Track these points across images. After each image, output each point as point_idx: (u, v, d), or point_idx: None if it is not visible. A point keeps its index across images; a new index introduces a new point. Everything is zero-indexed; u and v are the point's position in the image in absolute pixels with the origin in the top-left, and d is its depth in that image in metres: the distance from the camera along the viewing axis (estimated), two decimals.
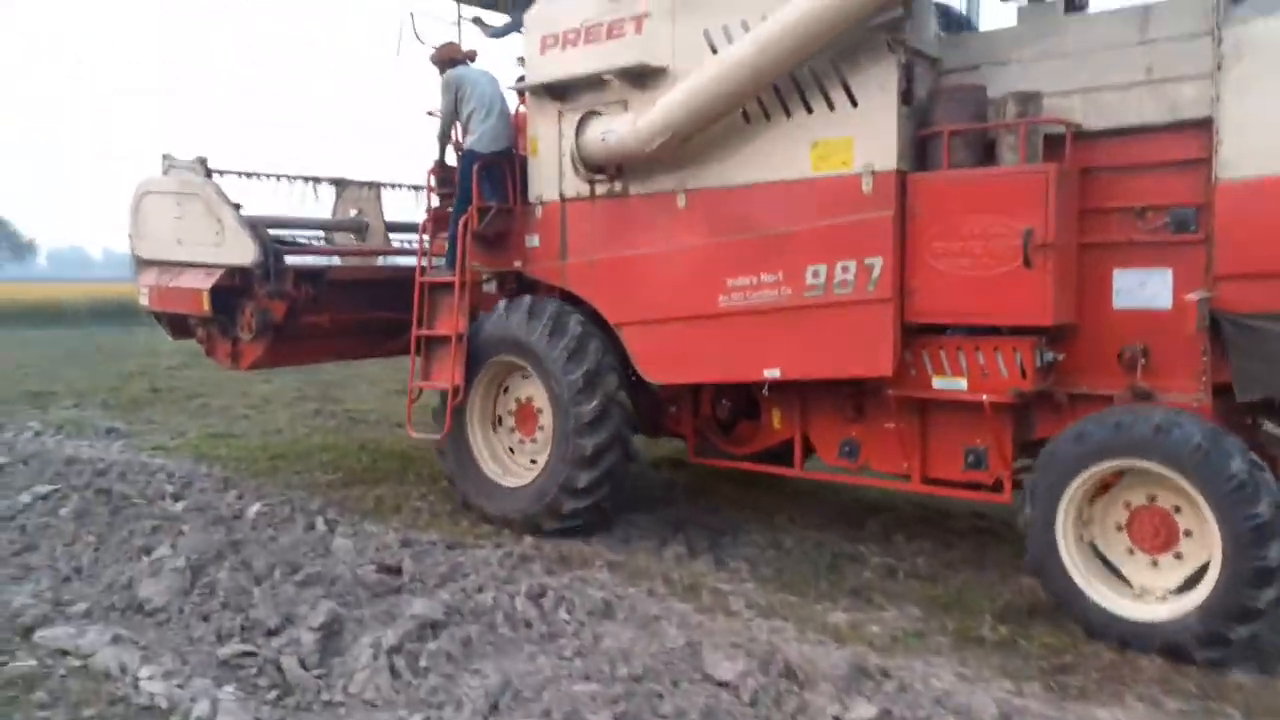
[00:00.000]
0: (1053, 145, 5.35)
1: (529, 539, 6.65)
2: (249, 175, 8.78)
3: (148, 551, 6.25)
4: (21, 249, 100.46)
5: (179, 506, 7.40)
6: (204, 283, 7.69)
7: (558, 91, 6.84)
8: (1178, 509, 4.83)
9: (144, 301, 8.47)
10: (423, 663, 4.45)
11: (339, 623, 4.90)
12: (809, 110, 5.82)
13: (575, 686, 4.17)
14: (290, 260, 7.76)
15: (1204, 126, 4.99)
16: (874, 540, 6.74)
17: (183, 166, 8.11)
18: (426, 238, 7.51)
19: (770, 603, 5.52)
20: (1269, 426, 5.57)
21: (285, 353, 8.29)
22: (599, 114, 6.64)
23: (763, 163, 6.01)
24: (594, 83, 6.62)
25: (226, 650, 4.83)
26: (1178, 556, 4.85)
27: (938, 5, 6.05)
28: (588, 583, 5.61)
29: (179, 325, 8.53)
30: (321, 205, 9.66)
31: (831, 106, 5.73)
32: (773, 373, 6.02)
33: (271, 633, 4.97)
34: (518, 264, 7.28)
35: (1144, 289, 5.25)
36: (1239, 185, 4.83)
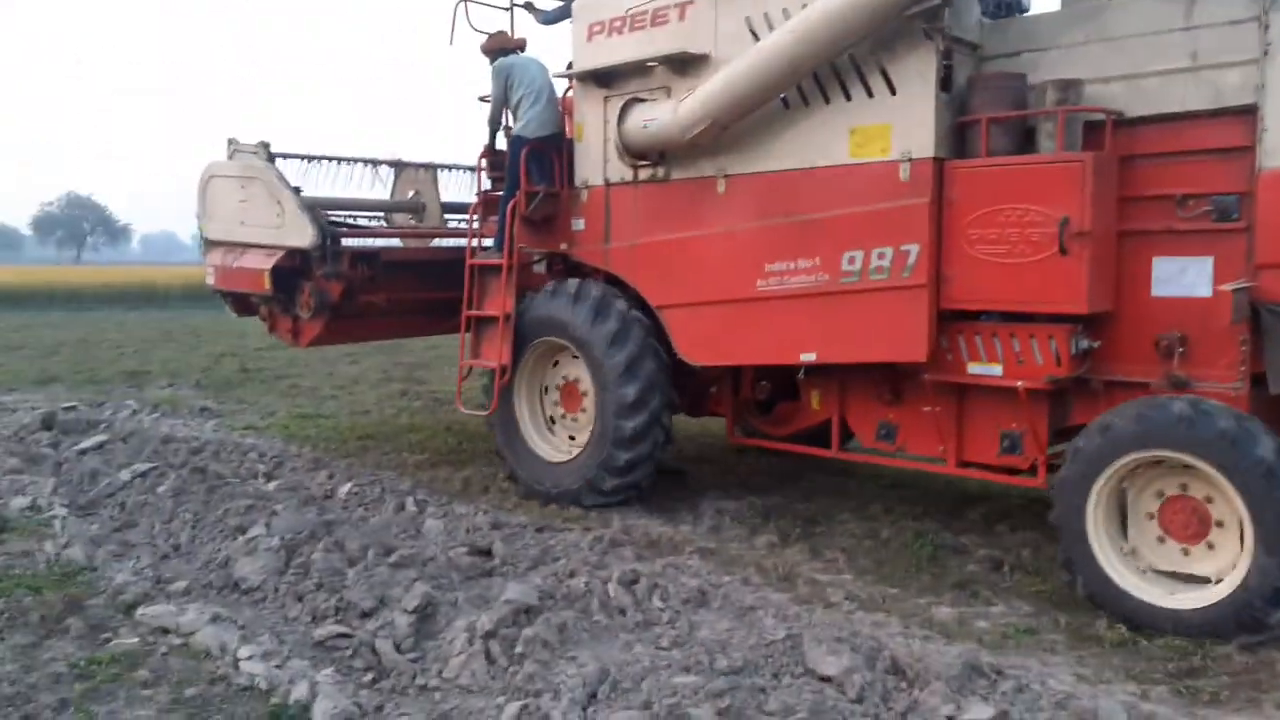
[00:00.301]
0: (1093, 132, 5.29)
1: (617, 523, 6.54)
2: (310, 159, 9.03)
3: (242, 530, 6.31)
4: (117, 233, 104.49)
5: (271, 486, 7.48)
6: (265, 263, 7.96)
7: (603, 78, 6.94)
8: (1209, 499, 4.76)
9: (210, 280, 8.81)
10: (518, 649, 4.37)
11: (433, 606, 4.86)
12: (848, 98, 5.85)
13: (675, 678, 4.03)
14: (346, 242, 7.98)
15: (1248, 114, 4.92)
16: (976, 531, 6.47)
17: (246, 151, 8.34)
18: (476, 220, 7.73)
19: (870, 595, 5.32)
20: None
21: (343, 331, 8.59)
22: (642, 100, 6.73)
23: (801, 149, 6.07)
24: (638, 70, 6.71)
25: (322, 631, 4.83)
26: (1210, 546, 4.80)
27: None
28: (680, 570, 5.47)
29: (243, 303, 8.85)
30: (382, 187, 9.87)
31: (870, 94, 5.75)
32: (809, 356, 6.12)
33: (366, 614, 4.95)
34: (564, 247, 7.43)
35: (1183, 277, 5.18)
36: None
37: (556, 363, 7.46)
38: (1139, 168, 5.31)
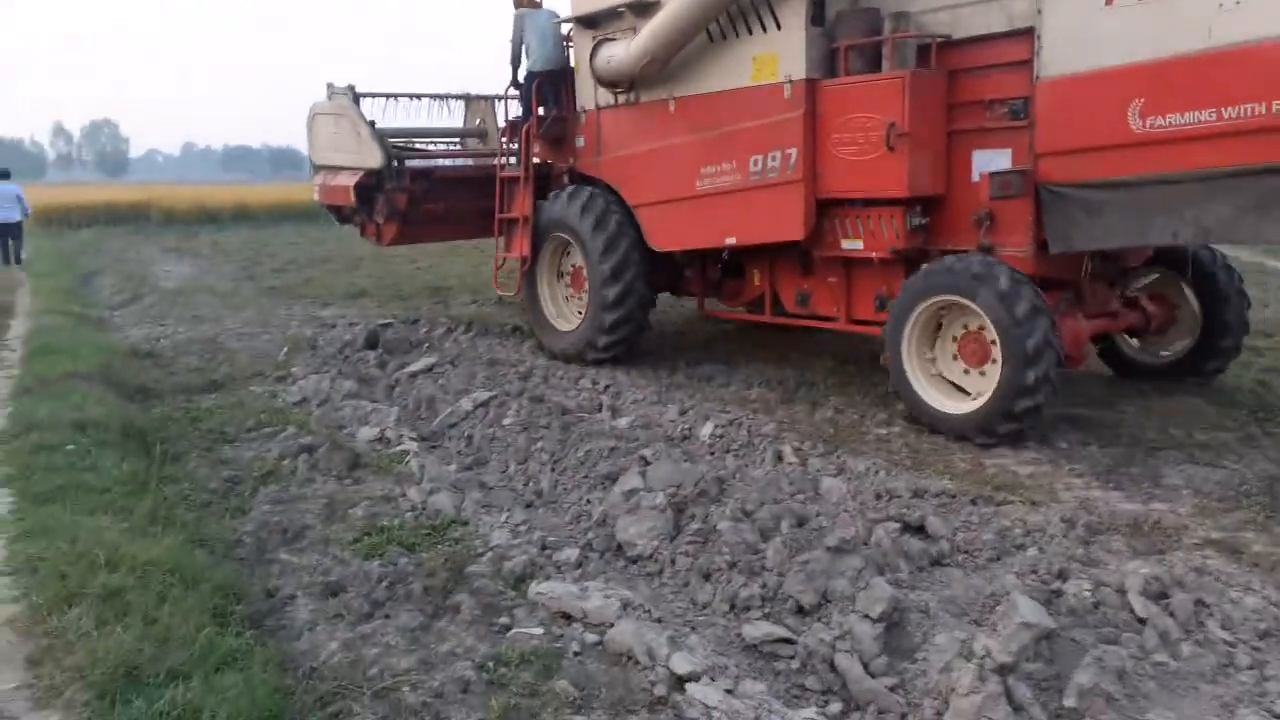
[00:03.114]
0: (926, 53, 6.48)
1: (1067, 496, 5.14)
2: (391, 96, 10.81)
3: (612, 479, 5.47)
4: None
5: (623, 423, 6.63)
6: (349, 180, 9.89)
7: (589, 22, 8.46)
8: (983, 329, 6.02)
9: (316, 196, 10.84)
10: (1068, 700, 3.14)
11: (899, 610, 3.72)
12: (750, 32, 7.21)
13: None
14: (409, 163, 9.97)
15: (1030, 34, 5.99)
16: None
17: (339, 92, 10.27)
18: (506, 141, 9.48)
19: None
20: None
21: (413, 233, 10.56)
22: (611, 40, 8.19)
23: (722, 74, 7.48)
24: (612, 14, 8.19)
25: (754, 631, 3.84)
26: (983, 374, 6.13)
27: None
28: (1210, 575, 4.03)
29: (340, 214, 10.67)
30: (453, 118, 11.61)
31: (765, 29, 7.10)
32: (730, 240, 7.74)
33: (803, 612, 3.92)
34: (571, 161, 9.07)
35: (991, 165, 6.28)
36: (1052, 81, 5.91)
37: (568, 253, 8.99)
38: (961, 80, 6.49)
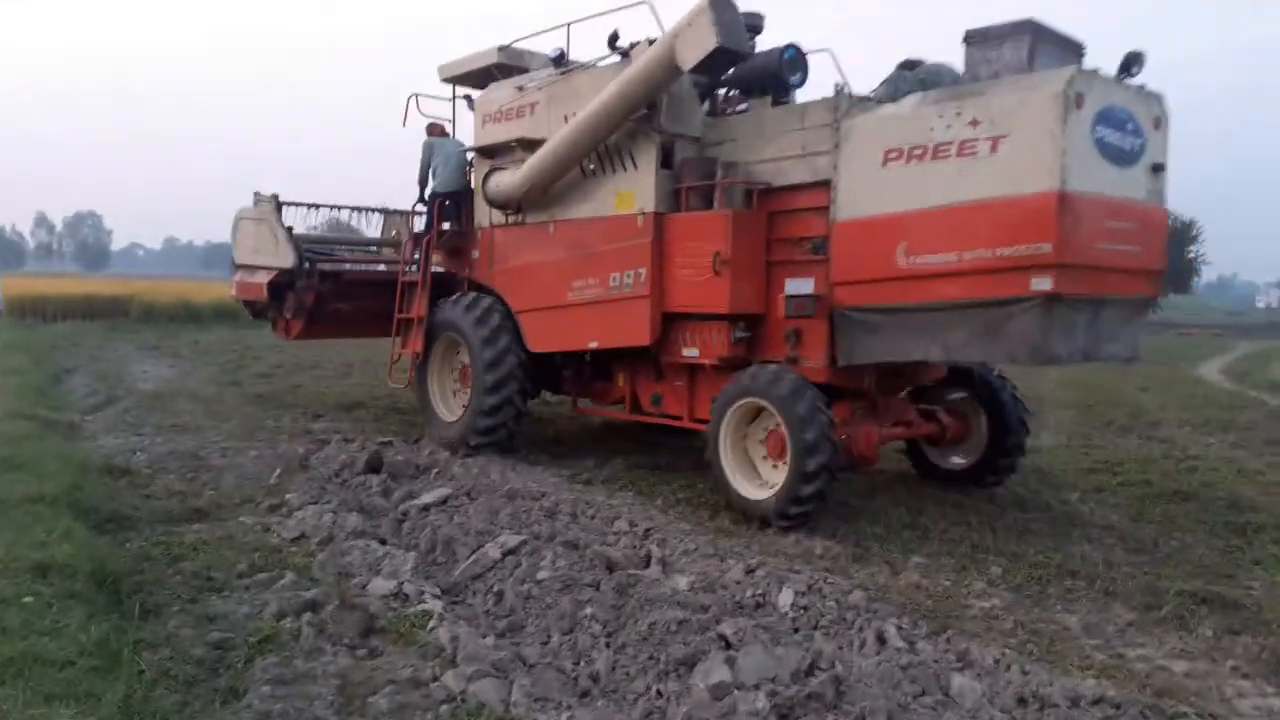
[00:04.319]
0: (760, 196, 7.80)
1: (1240, 701, 4.24)
2: (313, 206, 12.19)
3: (687, 665, 4.51)
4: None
5: (682, 583, 5.68)
6: (265, 278, 11.16)
7: (488, 152, 9.88)
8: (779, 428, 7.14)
9: (232, 292, 12.27)
10: None
11: None
12: (614, 170, 8.53)
13: None
14: (319, 266, 11.12)
15: (828, 185, 7.26)
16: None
17: (263, 199, 11.42)
18: (409, 250, 10.80)
19: None
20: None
21: (320, 329, 11.78)
22: (502, 169, 9.60)
23: (592, 204, 8.77)
24: (505, 147, 9.59)
25: None
26: (782, 466, 7.13)
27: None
28: None
29: (254, 308, 12.02)
30: (372, 228, 13.13)
31: (625, 169, 8.42)
32: (593, 343, 8.83)
33: None
34: (467, 270, 10.35)
35: (800, 291, 7.50)
36: (843, 224, 7.13)
37: (458, 352, 10.09)
38: (778, 220, 7.71)
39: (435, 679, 4.39)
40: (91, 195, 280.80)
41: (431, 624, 5.08)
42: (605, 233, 8.59)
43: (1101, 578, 6.12)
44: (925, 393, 8.59)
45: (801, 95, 8.28)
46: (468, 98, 10.54)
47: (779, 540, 6.82)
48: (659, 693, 4.39)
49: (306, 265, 10.90)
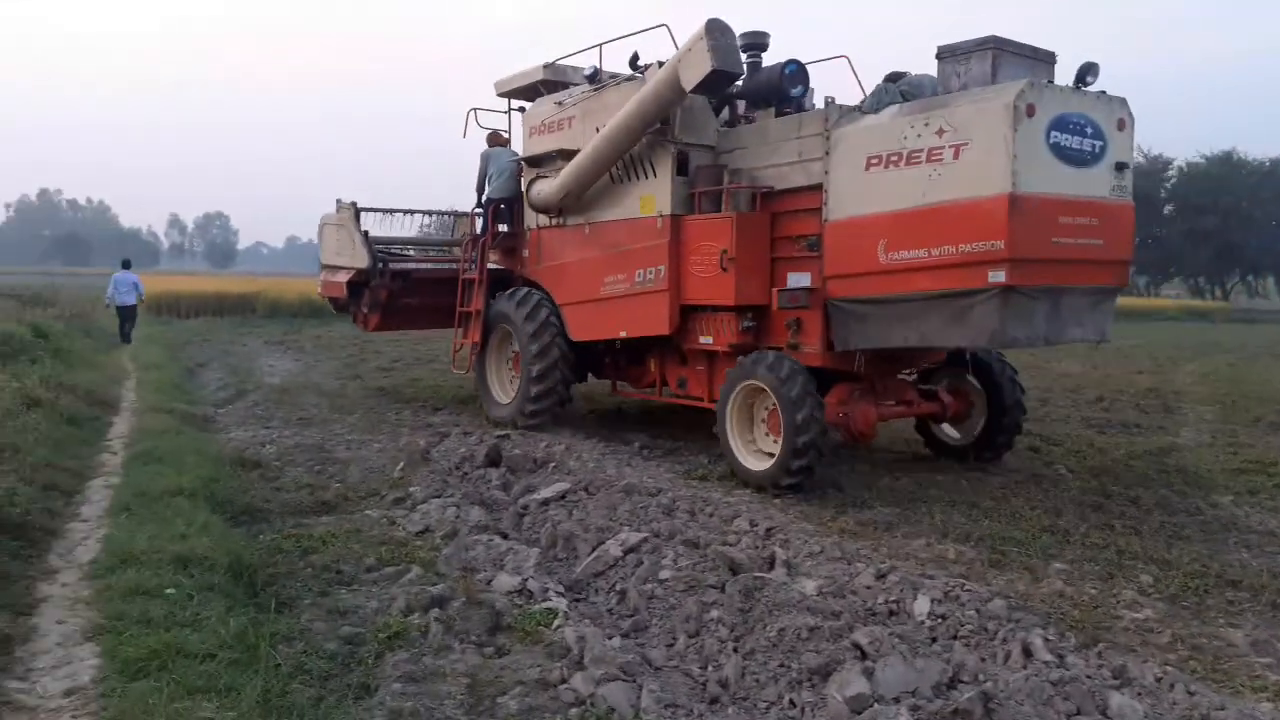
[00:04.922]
0: (764, 198, 8.68)
1: None
2: (389, 211, 13.08)
3: (821, 675, 4.34)
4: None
5: (810, 587, 5.49)
6: (344, 278, 12.27)
7: (534, 161, 10.82)
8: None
9: (319, 290, 13.54)
10: None
11: None
12: (638, 178, 9.57)
13: None
14: (391, 266, 12.12)
15: (820, 189, 8.03)
16: None
17: (344, 207, 12.45)
18: (469, 250, 11.82)
19: None
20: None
21: (393, 322, 12.84)
22: (545, 177, 10.50)
23: (620, 208, 9.82)
24: (547, 157, 10.53)
25: None
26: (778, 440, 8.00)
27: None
28: None
29: (337, 304, 13.03)
30: (444, 229, 14.33)
31: (647, 176, 9.46)
32: (622, 333, 9.88)
33: None
34: (518, 268, 11.45)
35: (800, 284, 8.29)
36: (833, 224, 7.90)
37: (511, 342, 11.05)
38: (780, 220, 8.63)
39: (563, 681, 4.33)
40: (219, 198, 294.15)
41: (556, 622, 5.03)
42: (631, 233, 9.57)
43: (1268, 589, 5.68)
44: (931, 374, 9.43)
45: (819, 100, 9.01)
46: (521, 109, 11.41)
47: (908, 543, 6.57)
48: (792, 702, 4.24)
49: (379, 265, 11.86)
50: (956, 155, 6.96)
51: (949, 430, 9.55)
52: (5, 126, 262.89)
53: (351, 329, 21.48)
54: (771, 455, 8.01)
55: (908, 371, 9.29)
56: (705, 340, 9.12)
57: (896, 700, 4.00)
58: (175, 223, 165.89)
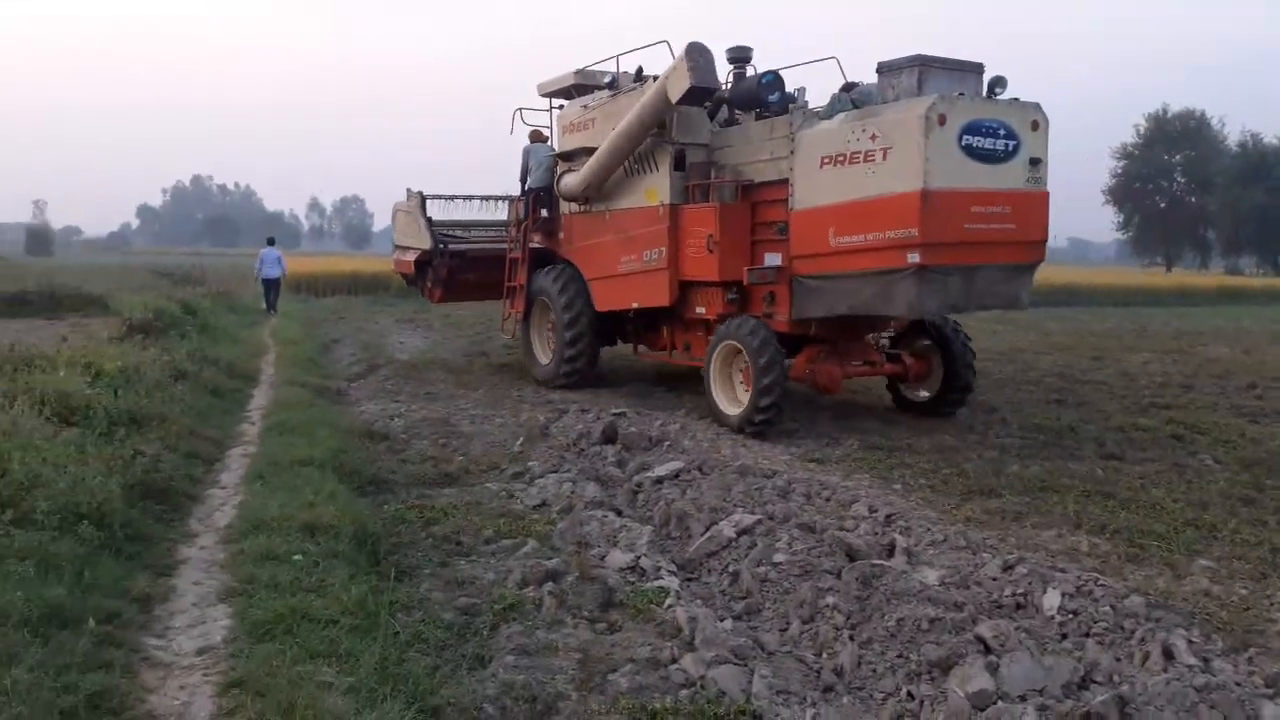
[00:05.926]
0: (745, 190, 10.19)
1: None
2: (450, 198, 14.83)
3: (942, 668, 4.17)
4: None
5: (932, 577, 5.29)
6: (412, 257, 14.08)
7: (565, 156, 12.49)
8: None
9: (393, 267, 15.54)
10: None
11: None
12: (645, 171, 11.16)
13: None
14: (450, 246, 13.98)
15: (787, 183, 9.46)
16: None
17: (412, 195, 14.28)
18: (514, 233, 13.54)
19: None
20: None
21: (455, 294, 14.75)
22: (571, 170, 12.19)
23: (631, 198, 11.46)
24: (576, 153, 12.11)
25: None
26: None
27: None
28: None
29: (407, 279, 14.98)
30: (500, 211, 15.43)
31: (651, 170, 11.05)
32: (635, 304, 11.56)
33: None
34: (556, 248, 12.93)
35: (771, 263, 9.76)
36: (796, 212, 9.33)
37: (549, 312, 12.58)
38: (759, 208, 10.09)
39: (674, 661, 4.30)
40: (356, 182, 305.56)
41: (669, 601, 5.00)
42: (640, 220, 11.15)
43: None
44: (899, 340, 10.72)
45: (815, 101, 10.39)
46: (560, 107, 13.03)
47: (1038, 534, 6.27)
48: (910, 695, 4.09)
49: (440, 246, 13.72)
50: (885, 157, 8.33)
51: (919, 391, 10.68)
52: (176, 111, 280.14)
53: (478, 308, 22.02)
54: (742, 404, 9.54)
55: (882, 336, 10.71)
56: (700, 310, 10.70)
57: (1023, 698, 3.81)
58: (315, 206, 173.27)
